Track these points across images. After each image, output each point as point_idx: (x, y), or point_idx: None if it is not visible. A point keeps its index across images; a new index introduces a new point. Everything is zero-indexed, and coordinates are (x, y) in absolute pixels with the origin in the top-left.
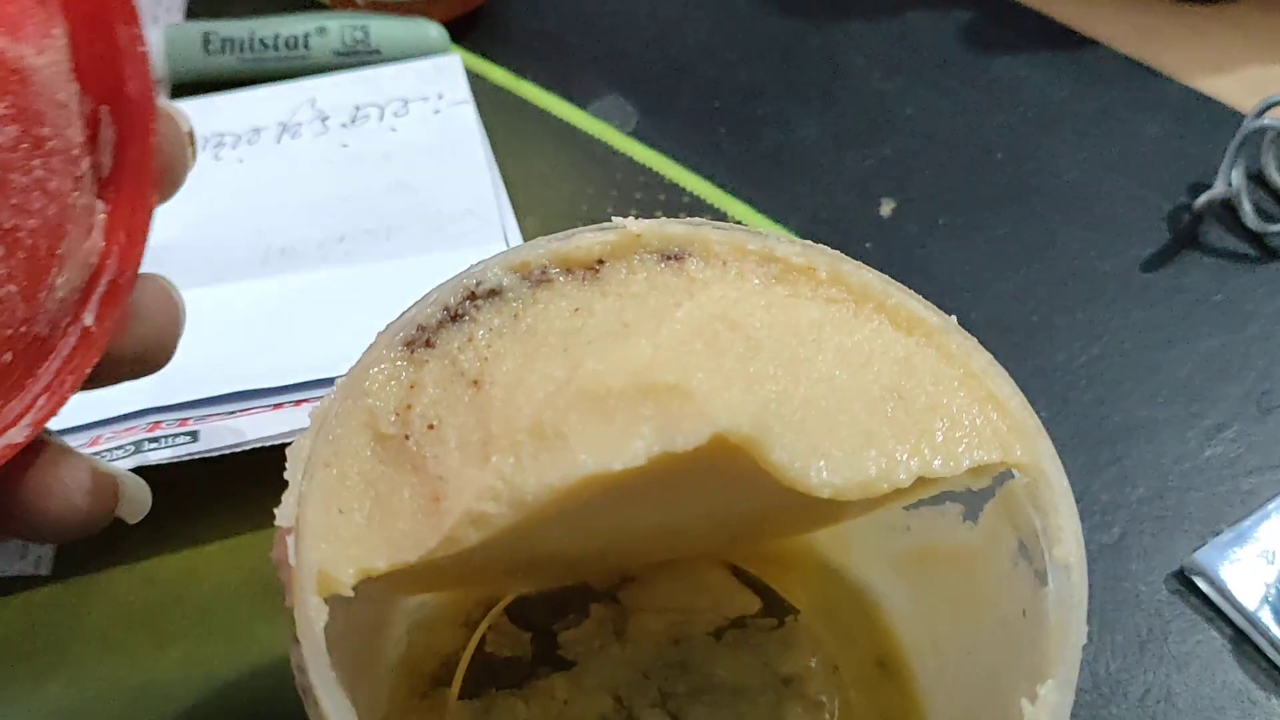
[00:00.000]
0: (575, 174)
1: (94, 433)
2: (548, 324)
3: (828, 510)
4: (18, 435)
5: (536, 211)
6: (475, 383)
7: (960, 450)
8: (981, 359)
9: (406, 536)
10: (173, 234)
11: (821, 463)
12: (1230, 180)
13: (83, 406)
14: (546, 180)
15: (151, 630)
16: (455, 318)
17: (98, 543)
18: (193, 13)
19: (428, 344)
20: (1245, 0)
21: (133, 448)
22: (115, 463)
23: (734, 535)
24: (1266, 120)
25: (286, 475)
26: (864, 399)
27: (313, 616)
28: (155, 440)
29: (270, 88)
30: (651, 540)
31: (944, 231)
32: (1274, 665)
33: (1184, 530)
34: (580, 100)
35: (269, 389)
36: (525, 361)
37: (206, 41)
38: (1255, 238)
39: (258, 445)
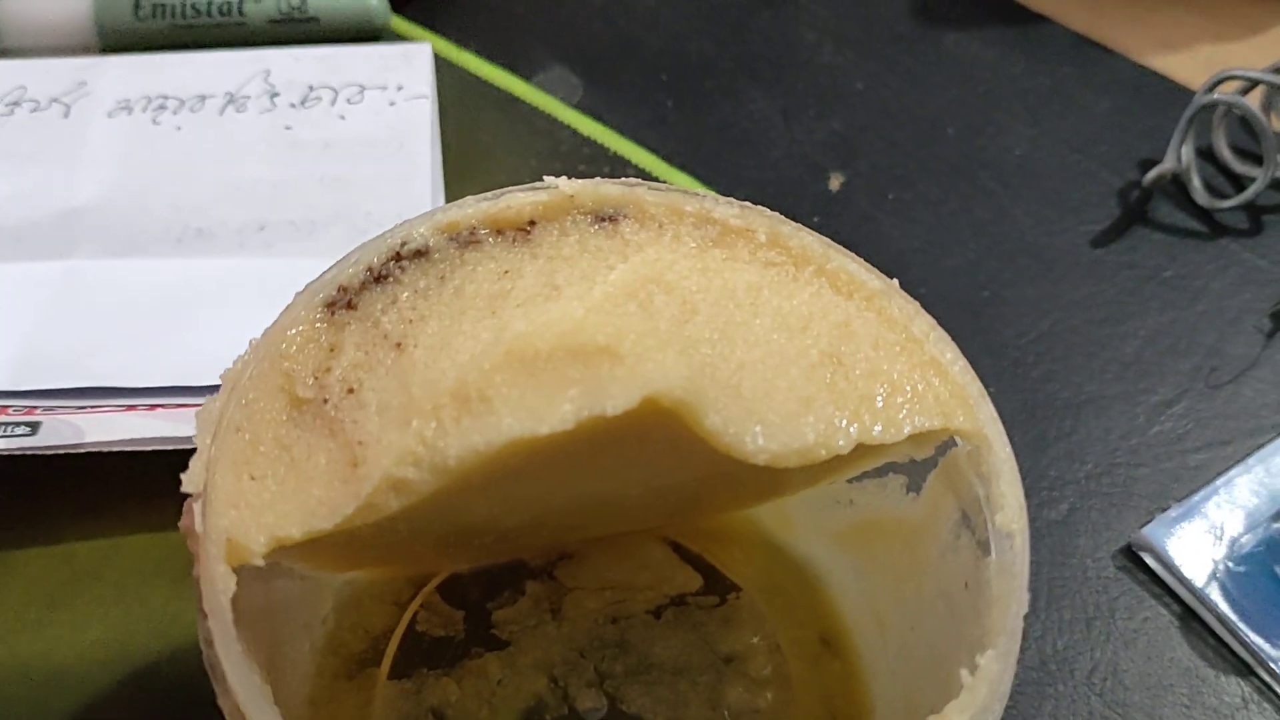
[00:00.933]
0: (518, 146)
1: None
2: (475, 286)
3: (768, 482)
4: None
5: (477, 182)
6: (398, 345)
7: (901, 416)
8: (924, 323)
9: (322, 503)
10: (91, 197)
11: (758, 428)
12: (1180, 156)
13: None
14: (489, 151)
15: (69, 609)
16: (379, 279)
17: (13, 521)
18: None
19: (349, 305)
20: None
21: None
22: None
23: (672, 509)
24: (1217, 95)
25: (194, 440)
26: (802, 364)
27: (220, 587)
28: None
29: (224, 53)
30: (587, 513)
31: (893, 206)
32: (1222, 642)
33: (1132, 506)
34: (524, 72)
35: (126, 389)
36: (451, 324)
37: (137, 6)
38: (1205, 214)
39: (94, 449)
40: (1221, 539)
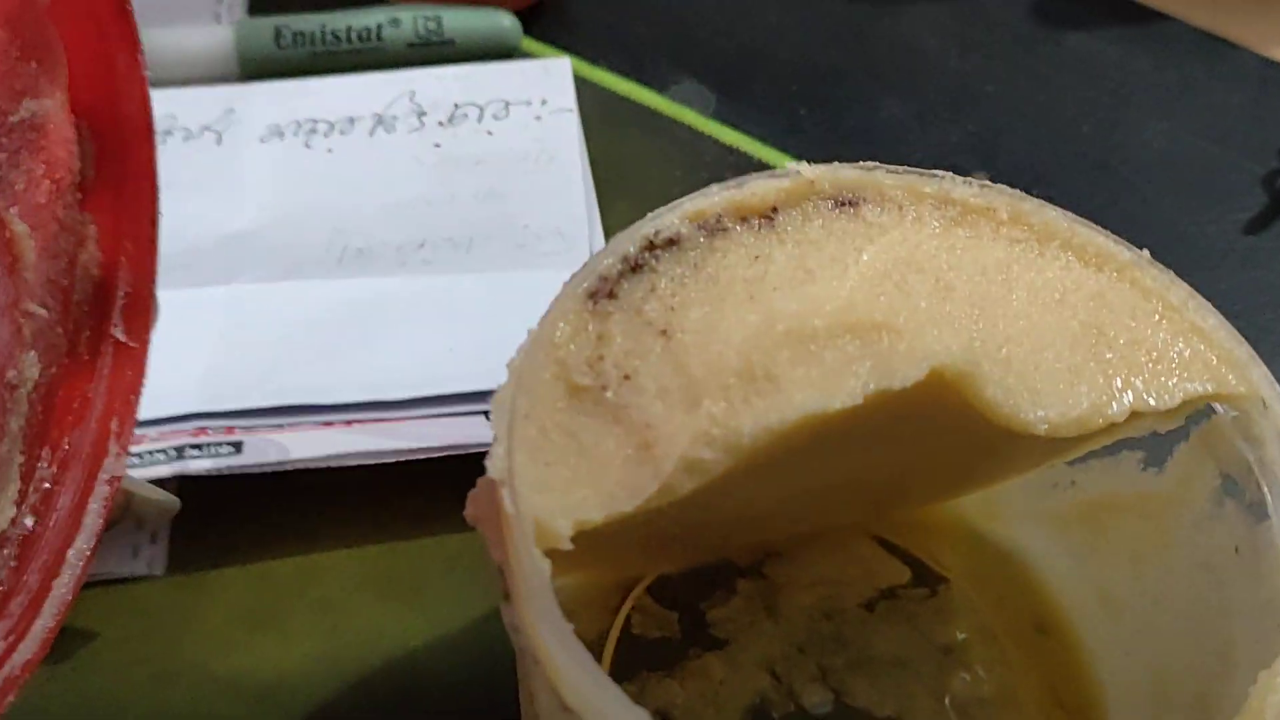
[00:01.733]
0: (662, 157)
1: (138, 432)
2: (729, 271)
3: (1004, 463)
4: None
5: (627, 196)
6: (663, 332)
7: (1172, 383)
8: (1180, 291)
9: (621, 485)
10: (250, 222)
11: (1034, 399)
12: None
13: None
14: (634, 163)
15: (274, 629)
16: (635, 268)
17: (210, 542)
18: (255, 9)
19: (610, 295)
20: None
21: (175, 453)
22: (156, 468)
23: (892, 495)
24: None
25: (490, 428)
26: (1065, 336)
27: (537, 567)
28: (199, 448)
29: (368, 76)
30: (807, 503)
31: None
32: None
33: None
34: (657, 87)
35: (320, 405)
36: (713, 309)
37: (278, 36)
38: None
39: (300, 466)
40: None
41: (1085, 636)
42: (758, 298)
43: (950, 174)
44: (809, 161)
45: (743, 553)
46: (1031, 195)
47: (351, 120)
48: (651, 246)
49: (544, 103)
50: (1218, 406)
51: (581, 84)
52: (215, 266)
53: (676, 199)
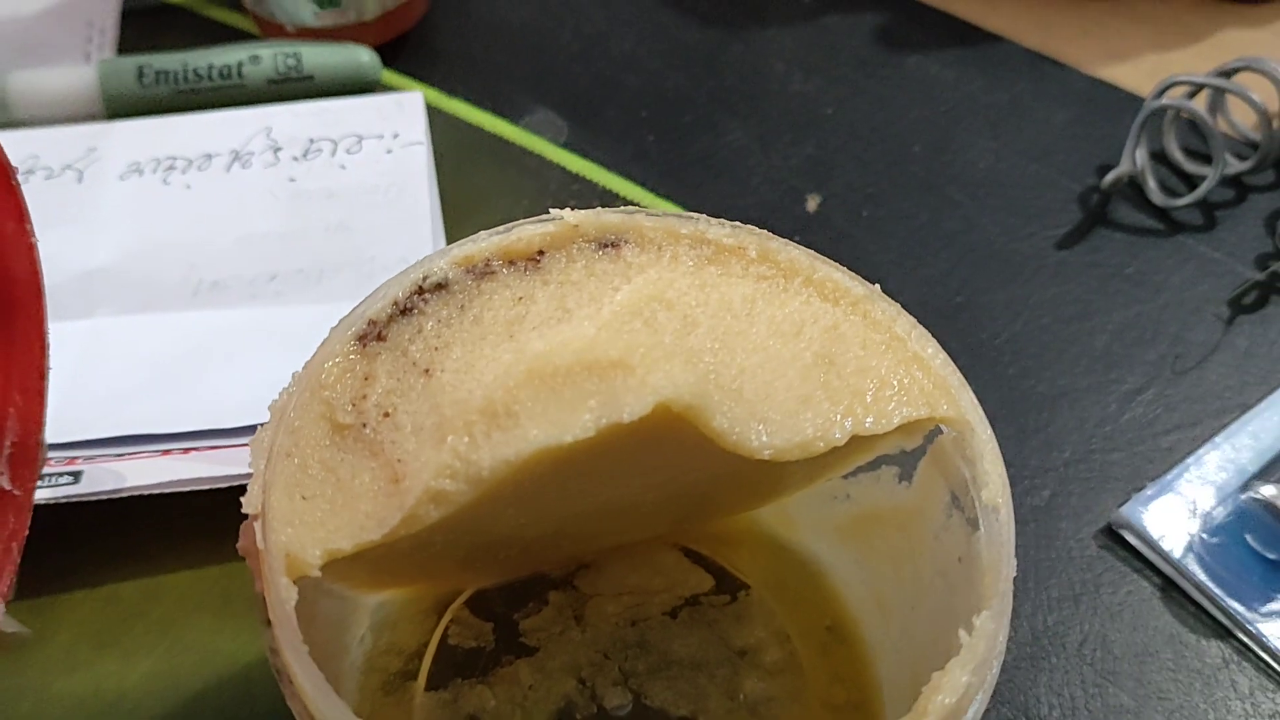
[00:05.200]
0: (511, 186)
1: None
2: (493, 313)
3: (770, 482)
4: None
5: (475, 222)
6: (426, 371)
7: (890, 408)
8: (905, 323)
9: (369, 517)
10: (109, 257)
11: (761, 426)
12: (1135, 160)
13: None
14: (484, 192)
15: (116, 649)
16: (405, 311)
17: (56, 566)
18: (124, 47)
19: (379, 337)
20: None
21: None
22: None
23: (683, 513)
24: (1166, 100)
25: (249, 466)
26: (797, 366)
27: (284, 596)
28: (40, 477)
29: (227, 113)
30: (605, 522)
31: (867, 222)
32: (1201, 609)
33: (1109, 488)
34: (511, 116)
35: (160, 434)
36: (473, 348)
37: (140, 74)
38: (1161, 213)
39: (136, 493)
40: (1195, 513)
41: (867, 638)
42: (516, 336)
43: (705, 216)
44: (653, 187)
45: (555, 566)
46: (862, 215)
47: (209, 157)
48: (421, 291)
49: (395, 136)
50: (943, 427)
51: (436, 115)
52: (73, 301)
53: None
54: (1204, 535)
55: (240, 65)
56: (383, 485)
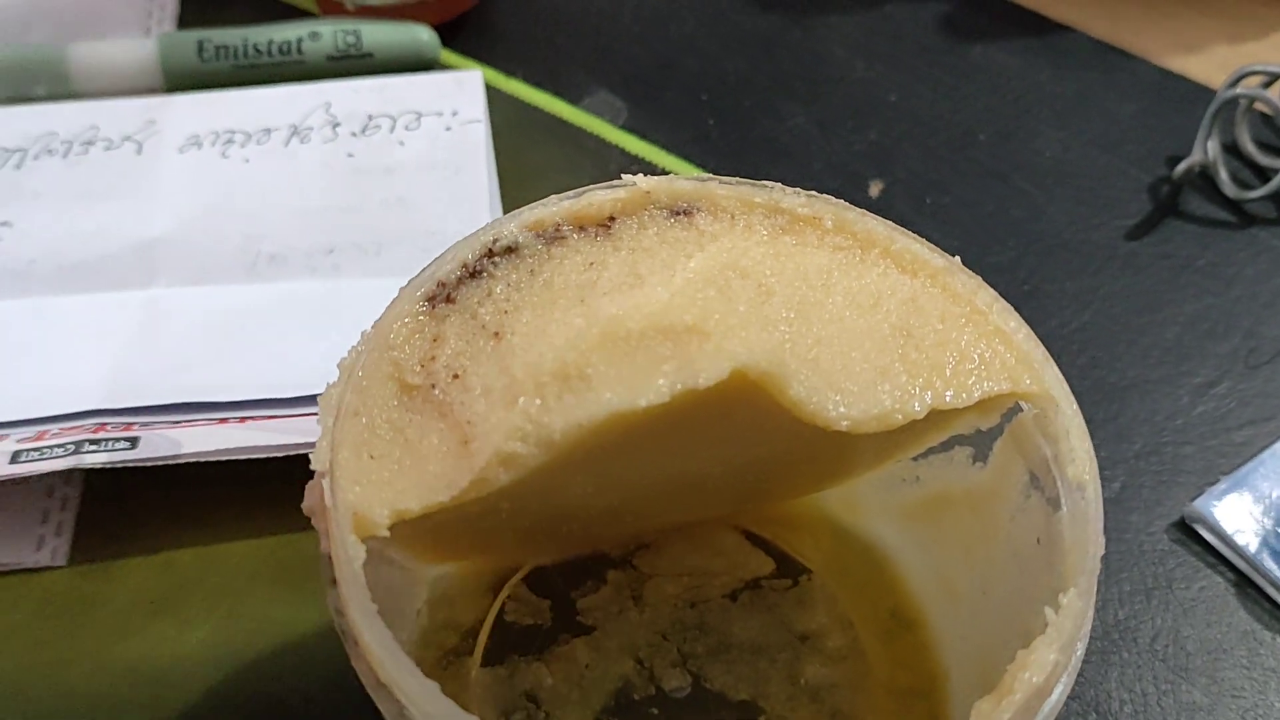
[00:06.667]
0: (570, 167)
1: (40, 428)
2: (564, 277)
3: (842, 460)
4: None
5: (532, 202)
6: (496, 334)
7: (971, 382)
8: (986, 295)
9: (438, 478)
10: (167, 228)
11: (838, 397)
12: (1206, 151)
13: (32, 401)
14: (541, 172)
15: (172, 615)
16: (474, 274)
17: (114, 532)
18: (184, 22)
19: (448, 299)
20: None
21: (73, 447)
22: (53, 461)
23: (749, 492)
24: (1239, 90)
25: (317, 423)
26: (875, 338)
27: (351, 554)
28: (96, 443)
29: (286, 88)
30: (669, 497)
31: (931, 210)
32: (1277, 606)
33: (1181, 482)
34: (570, 97)
35: (217, 403)
36: (544, 312)
37: (201, 49)
38: (1233, 205)
39: (192, 460)
40: (1270, 508)
41: (933, 624)
42: (587, 301)
43: (780, 185)
44: (714, 171)
45: (614, 545)
46: (925, 203)
47: (268, 131)
48: (491, 254)
49: (455, 114)
50: (1024, 405)
51: (495, 95)
52: (132, 271)
53: None
54: (1279, 530)
55: (300, 42)
56: (452, 447)
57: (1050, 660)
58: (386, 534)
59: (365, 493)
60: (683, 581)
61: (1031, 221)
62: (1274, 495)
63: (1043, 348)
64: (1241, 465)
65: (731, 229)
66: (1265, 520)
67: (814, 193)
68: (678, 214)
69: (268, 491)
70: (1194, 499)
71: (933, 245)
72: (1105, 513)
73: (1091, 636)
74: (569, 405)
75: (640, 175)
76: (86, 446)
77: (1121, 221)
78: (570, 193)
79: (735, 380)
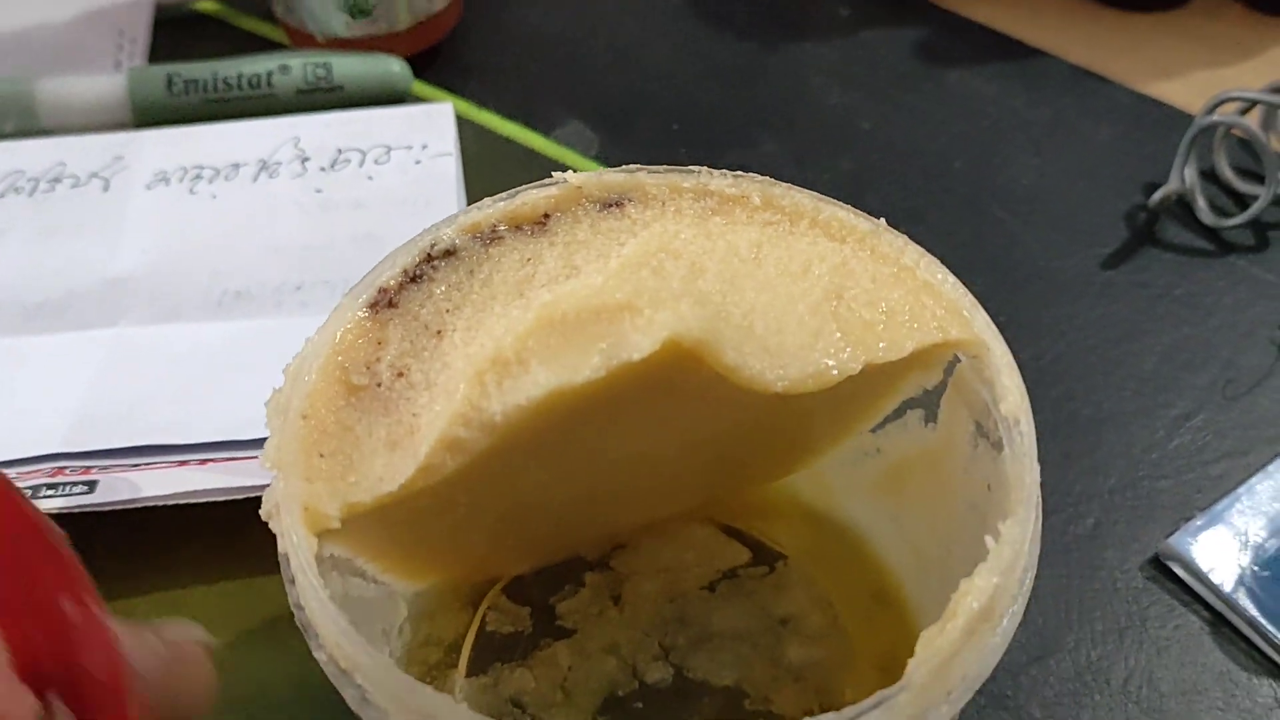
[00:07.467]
0: None
1: None
2: (502, 275)
3: (798, 433)
4: None
5: None
6: (438, 333)
7: (903, 335)
8: (913, 253)
9: (387, 468)
10: (134, 266)
11: (772, 359)
12: (1184, 178)
13: None
14: None
15: None
16: (415, 279)
17: None
18: (155, 53)
19: (390, 304)
20: (1187, 7)
21: (29, 492)
22: None
23: (715, 480)
24: (1217, 117)
25: (266, 427)
26: (807, 302)
27: (302, 547)
28: (53, 487)
29: (255, 122)
30: (634, 487)
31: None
32: (1252, 645)
33: (1157, 518)
34: (542, 128)
35: (177, 445)
36: (484, 308)
37: (170, 83)
38: (1211, 233)
39: (151, 504)
40: (1247, 545)
41: (914, 598)
42: (526, 294)
43: (707, 169)
44: None
45: (590, 548)
46: (900, 230)
47: (236, 166)
48: (430, 258)
49: (424, 147)
50: (961, 355)
51: (467, 126)
52: (97, 309)
53: None
54: (1256, 568)
55: (270, 75)
56: (399, 439)
57: (992, 584)
58: (338, 525)
59: (316, 488)
60: (660, 578)
61: (1006, 250)
62: (1250, 532)
63: (970, 296)
64: (1218, 500)
65: (662, 215)
66: (1241, 558)
67: (740, 173)
68: (609, 206)
69: (228, 536)
70: (1169, 535)
71: (859, 211)
72: (1079, 549)
73: (1062, 677)
74: (508, 389)
75: (571, 171)
76: (44, 491)
77: (1098, 250)
78: (504, 194)
79: (669, 350)
